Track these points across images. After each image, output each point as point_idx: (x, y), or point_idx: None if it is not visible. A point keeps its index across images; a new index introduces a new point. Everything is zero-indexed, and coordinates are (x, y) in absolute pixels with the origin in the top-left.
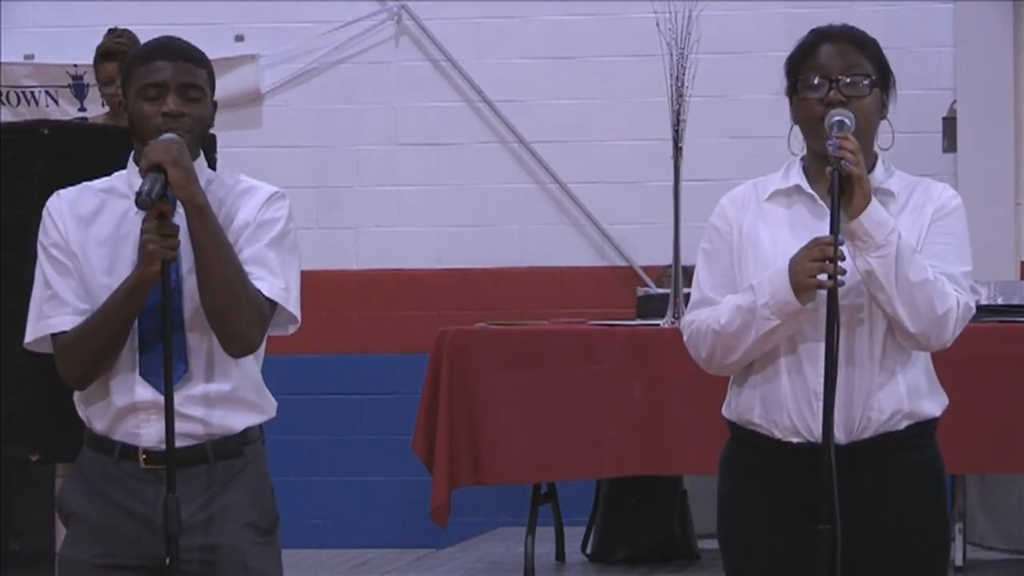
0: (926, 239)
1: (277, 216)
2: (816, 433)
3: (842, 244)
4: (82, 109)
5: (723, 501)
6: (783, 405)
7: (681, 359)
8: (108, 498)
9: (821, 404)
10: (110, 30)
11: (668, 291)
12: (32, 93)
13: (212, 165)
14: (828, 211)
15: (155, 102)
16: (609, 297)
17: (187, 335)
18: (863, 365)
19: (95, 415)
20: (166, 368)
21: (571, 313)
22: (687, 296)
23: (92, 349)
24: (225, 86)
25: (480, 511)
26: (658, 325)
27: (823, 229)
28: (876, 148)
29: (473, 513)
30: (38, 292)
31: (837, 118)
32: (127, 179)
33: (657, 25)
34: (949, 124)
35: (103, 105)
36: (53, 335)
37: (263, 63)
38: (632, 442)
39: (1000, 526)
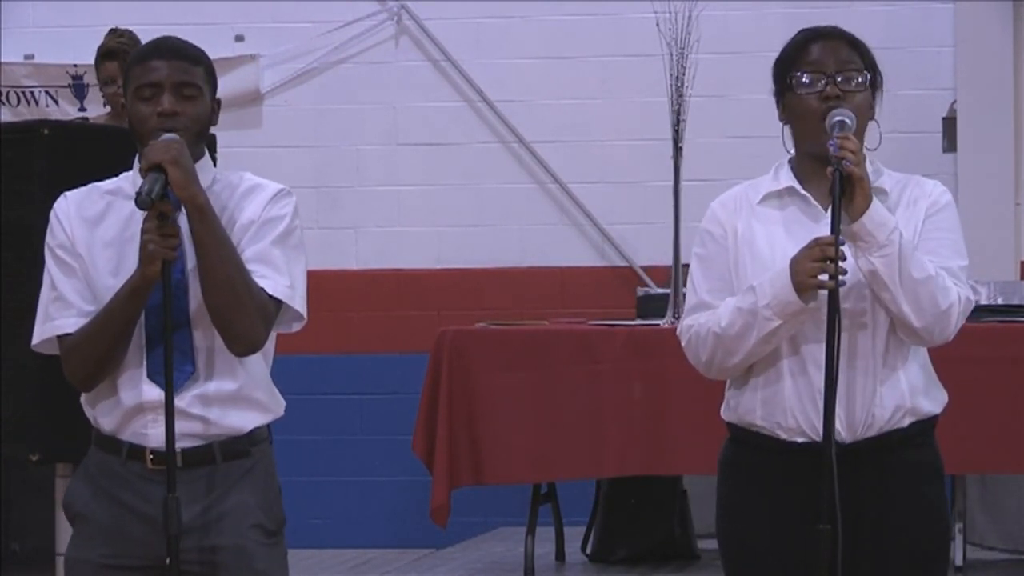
0: (921, 235)
1: (282, 213)
2: (821, 433)
3: (843, 244)
4: (82, 109)
5: (724, 502)
6: (787, 406)
7: (681, 359)
8: (115, 498)
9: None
10: (111, 30)
11: (669, 291)
12: (32, 93)
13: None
14: (823, 212)
15: (150, 102)
16: (609, 297)
17: (193, 334)
18: (866, 364)
19: (103, 415)
20: (167, 368)
21: (571, 313)
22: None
23: (96, 351)
24: (225, 86)
25: (480, 511)
26: (658, 325)
27: (818, 230)
28: (864, 148)
29: (473, 513)
30: (45, 294)
31: (838, 118)
32: (133, 180)
33: (657, 25)
34: (949, 124)
35: (104, 105)
36: (59, 337)
37: (263, 63)
38: (632, 442)
39: (1000, 526)
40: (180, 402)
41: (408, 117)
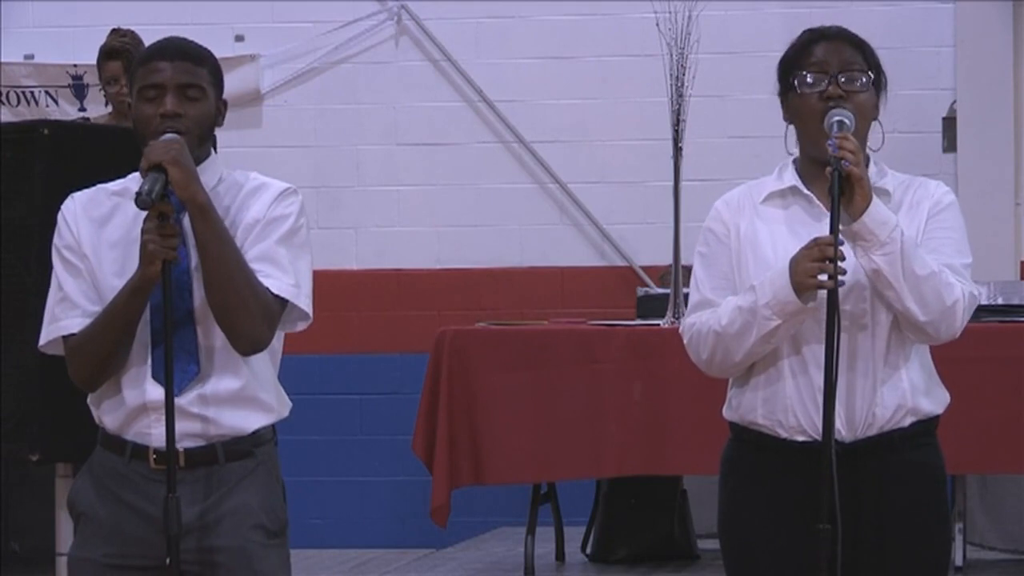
0: (924, 235)
1: (287, 212)
2: (822, 432)
3: (842, 244)
4: (82, 109)
5: (726, 500)
6: (788, 405)
7: (681, 359)
8: (118, 498)
9: None
10: (113, 30)
11: (668, 291)
12: (32, 93)
13: None
14: (825, 212)
15: (154, 103)
16: (609, 297)
17: (198, 334)
18: (866, 363)
19: (107, 414)
20: (167, 368)
21: (571, 313)
22: (687, 296)
23: (98, 351)
24: (225, 86)
25: (480, 511)
26: (658, 325)
27: (821, 230)
28: (867, 149)
29: (473, 513)
30: (52, 295)
31: (837, 118)
32: (138, 181)
33: (657, 25)
34: (949, 124)
35: (105, 105)
36: (64, 337)
37: (263, 63)
38: (632, 442)
39: (1000, 526)
40: (183, 401)
41: (408, 117)
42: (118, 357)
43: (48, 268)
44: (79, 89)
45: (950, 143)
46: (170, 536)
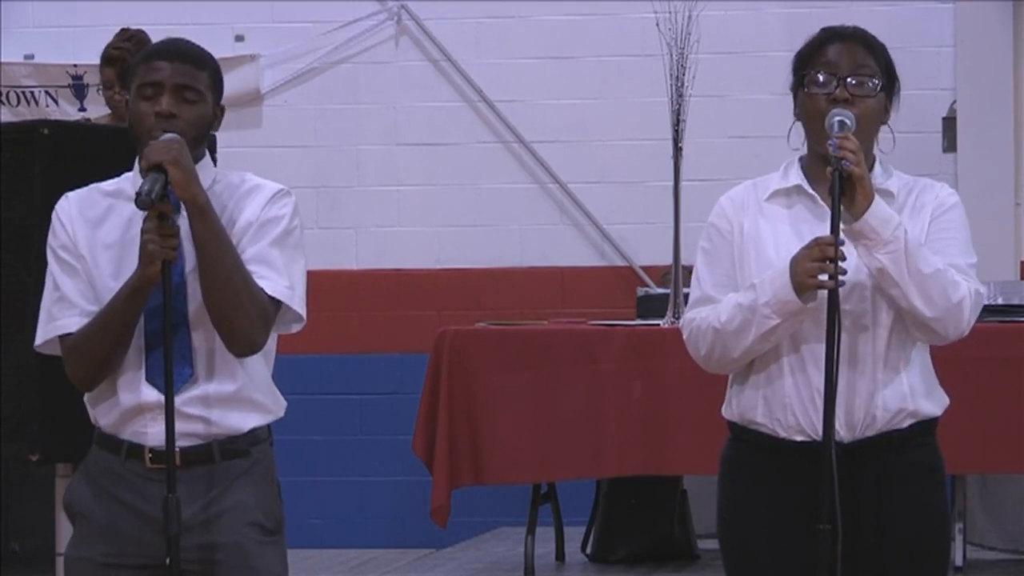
0: (929, 235)
1: (281, 214)
2: (821, 432)
3: (842, 244)
4: (82, 109)
5: (725, 500)
6: (787, 404)
7: (681, 359)
8: (114, 497)
9: None
10: (121, 30)
11: (668, 291)
12: (32, 93)
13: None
14: (829, 211)
15: (150, 101)
16: (609, 297)
17: (192, 335)
18: (866, 364)
19: (102, 414)
20: (167, 369)
21: (571, 313)
22: (687, 296)
23: (96, 351)
24: (225, 86)
25: (480, 511)
26: (658, 325)
27: (825, 229)
28: (876, 151)
29: (473, 513)
30: (48, 294)
31: (838, 118)
32: (133, 181)
33: (657, 25)
34: (949, 124)
35: (106, 104)
36: (60, 337)
37: (263, 63)
38: (632, 442)
39: (1000, 526)
40: (179, 403)
41: (408, 117)
42: (116, 357)
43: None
44: (79, 89)
45: (950, 143)
46: (170, 536)
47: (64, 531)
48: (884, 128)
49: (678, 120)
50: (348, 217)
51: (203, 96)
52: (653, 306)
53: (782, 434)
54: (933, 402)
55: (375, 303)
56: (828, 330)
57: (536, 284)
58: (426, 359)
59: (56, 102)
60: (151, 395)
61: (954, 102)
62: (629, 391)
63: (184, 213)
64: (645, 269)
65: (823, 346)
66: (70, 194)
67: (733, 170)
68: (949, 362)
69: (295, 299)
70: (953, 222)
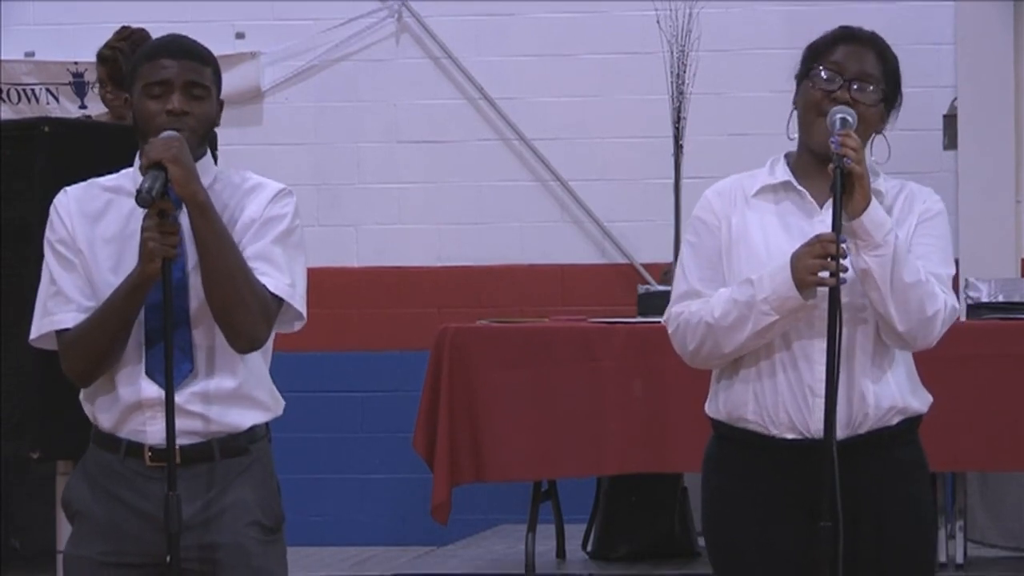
0: (912, 240)
1: (283, 213)
2: (812, 429)
3: (844, 242)
4: (83, 106)
5: (711, 499)
6: (779, 401)
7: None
8: (114, 496)
9: (817, 400)
10: (120, 28)
11: (669, 288)
12: (33, 91)
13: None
14: (817, 208)
15: (159, 100)
16: (610, 294)
17: (193, 332)
18: (858, 361)
19: (101, 412)
20: (167, 366)
21: (572, 310)
22: None
23: (95, 346)
24: (226, 83)
25: (481, 508)
26: (659, 323)
27: (812, 226)
28: (867, 156)
29: (474, 510)
30: (44, 288)
31: (840, 115)
32: (133, 177)
33: (658, 23)
34: (949, 122)
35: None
36: (57, 332)
37: (264, 60)
38: (633, 440)
39: (1001, 523)
40: (179, 399)
41: (408, 114)
42: (114, 353)
43: None
44: (80, 86)
45: (951, 141)
46: (171, 534)
47: (64, 529)
48: (878, 140)
49: (679, 117)
50: (348, 214)
51: (210, 92)
52: (654, 303)
53: (773, 432)
54: (919, 399)
55: (376, 300)
56: (829, 327)
57: (537, 281)
58: (427, 356)
59: (57, 99)
60: (150, 390)
61: (955, 100)
62: (630, 389)
63: (185, 210)
64: (646, 266)
65: (815, 343)
66: (68, 189)
67: (733, 167)
68: (949, 359)
69: (296, 297)
70: (937, 229)
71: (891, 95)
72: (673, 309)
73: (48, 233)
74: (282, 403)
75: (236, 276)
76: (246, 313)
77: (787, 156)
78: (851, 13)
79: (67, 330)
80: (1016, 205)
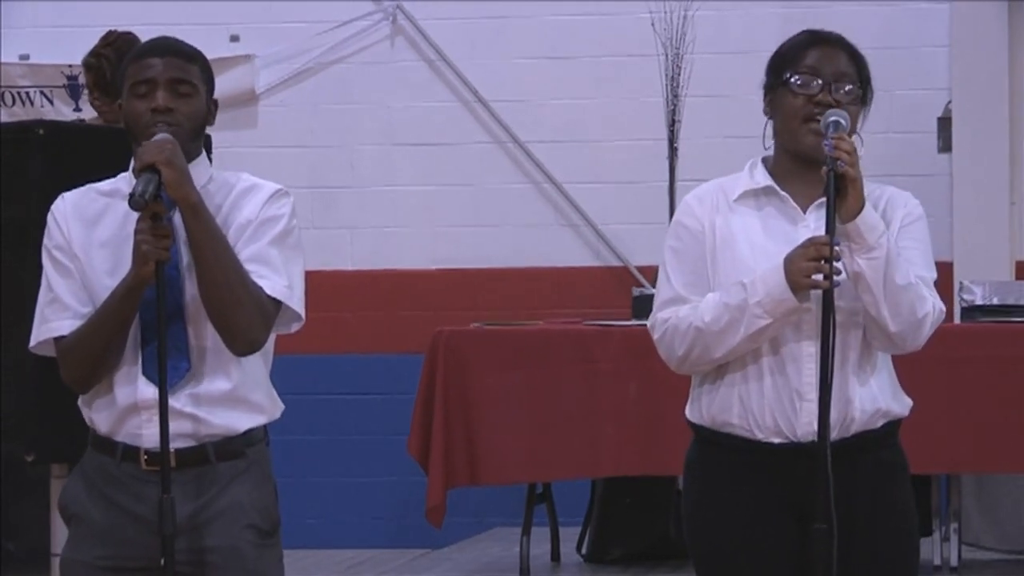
0: (896, 244)
1: (280, 214)
2: (798, 433)
3: (838, 245)
4: (77, 109)
5: (695, 504)
6: (765, 405)
7: None
8: (110, 499)
9: (804, 404)
10: (106, 33)
11: None
12: (27, 93)
13: None
14: (800, 213)
15: (145, 99)
16: (605, 297)
17: (189, 332)
18: (844, 365)
19: (98, 415)
20: (160, 368)
21: (567, 313)
22: None
23: (91, 352)
24: (220, 86)
25: (475, 511)
26: None
27: (795, 230)
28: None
29: (468, 513)
30: (42, 296)
31: (833, 118)
32: (129, 180)
33: (652, 25)
34: (944, 124)
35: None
36: (55, 339)
37: (258, 63)
38: (628, 442)
39: (996, 526)
40: (175, 401)
41: (403, 117)
42: (111, 358)
43: None
44: (74, 89)
45: (945, 143)
46: (165, 536)
47: (60, 532)
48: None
49: (673, 120)
50: (343, 217)
51: (197, 89)
52: (648, 306)
53: (758, 435)
54: (900, 403)
55: (370, 303)
56: (823, 331)
57: (532, 284)
58: (421, 359)
59: (51, 102)
60: (147, 391)
61: (949, 102)
62: (625, 391)
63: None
64: (641, 269)
65: (802, 347)
66: (66, 195)
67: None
68: (944, 362)
69: (294, 298)
70: (919, 233)
71: (863, 95)
72: (659, 315)
73: (46, 240)
74: (281, 406)
75: (230, 277)
76: (242, 314)
77: (764, 160)
78: (846, 15)
79: (64, 337)
80: (1010, 208)
